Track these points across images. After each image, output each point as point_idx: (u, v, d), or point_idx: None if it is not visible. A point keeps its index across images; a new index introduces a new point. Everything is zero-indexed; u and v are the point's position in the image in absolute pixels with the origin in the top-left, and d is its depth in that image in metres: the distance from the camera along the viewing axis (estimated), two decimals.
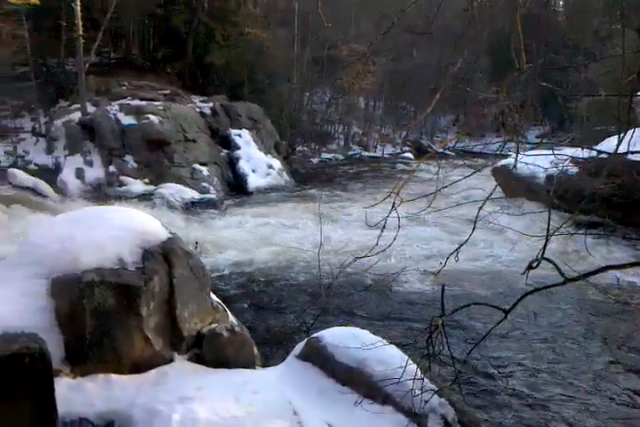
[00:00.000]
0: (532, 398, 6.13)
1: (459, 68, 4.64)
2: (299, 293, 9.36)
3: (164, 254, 4.88)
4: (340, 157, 32.28)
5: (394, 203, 3.24)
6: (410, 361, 4.56)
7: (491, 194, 3.40)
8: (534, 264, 3.17)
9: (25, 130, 21.92)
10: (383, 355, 4.81)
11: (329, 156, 31.89)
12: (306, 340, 5.33)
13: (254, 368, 5.03)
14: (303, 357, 5.23)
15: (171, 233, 5.25)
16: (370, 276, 8.69)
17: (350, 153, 33.65)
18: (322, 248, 7.31)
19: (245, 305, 9.01)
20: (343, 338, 5.08)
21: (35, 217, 13.21)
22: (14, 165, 19.30)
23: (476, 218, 3.23)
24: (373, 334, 5.22)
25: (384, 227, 3.39)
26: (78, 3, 20.01)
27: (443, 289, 3.78)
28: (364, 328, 5.40)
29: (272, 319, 8.38)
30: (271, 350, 7.01)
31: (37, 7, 21.94)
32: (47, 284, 4.52)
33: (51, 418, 3.68)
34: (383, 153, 34.71)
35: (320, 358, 5.08)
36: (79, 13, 20.19)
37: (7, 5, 20.93)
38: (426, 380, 4.41)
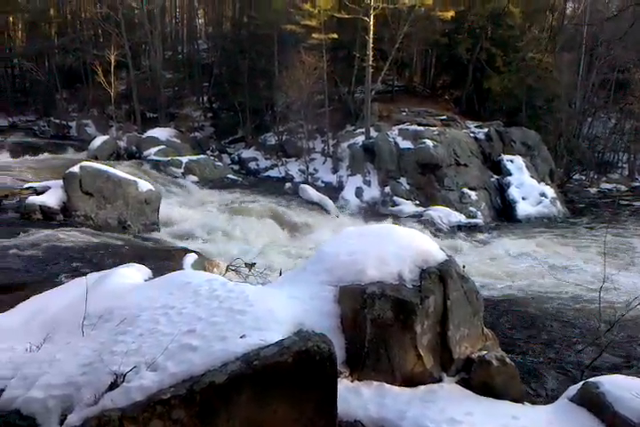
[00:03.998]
0: None
1: None
2: (571, 331, 8.68)
3: (440, 276, 5.00)
4: (623, 188, 29.11)
5: None
6: None
7: None
8: None
9: (316, 151, 24.49)
10: None
11: (609, 186, 29.02)
12: (582, 383, 4.94)
13: (523, 403, 4.84)
14: (577, 401, 4.85)
15: (447, 256, 5.36)
16: None
17: (636, 184, 30.16)
18: (604, 287, 6.73)
19: (509, 336, 8.67)
20: (626, 388, 4.59)
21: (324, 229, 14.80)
22: (305, 182, 21.80)
23: None
24: None
25: None
26: (371, 35, 21.74)
27: None
28: None
29: (538, 355, 7.91)
30: (537, 387, 6.64)
31: (335, 41, 24.50)
32: (335, 291, 4.96)
33: (332, 416, 4.01)
34: None
35: (597, 406, 4.66)
36: (371, 45, 21.90)
37: (312, 40, 23.75)
38: None
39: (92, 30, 37.12)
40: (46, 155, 23.70)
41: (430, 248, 5.29)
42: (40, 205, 12.69)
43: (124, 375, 3.78)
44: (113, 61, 27.18)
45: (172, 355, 3.87)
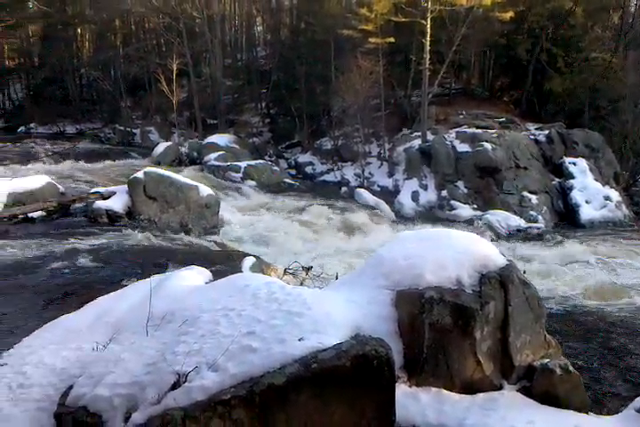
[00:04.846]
0: None
1: None
2: (638, 340, 8.35)
3: (500, 281, 4.91)
4: None
5: None
6: None
7: None
8: None
9: (372, 155, 24.48)
10: None
11: None
12: None
13: (587, 413, 4.68)
14: None
15: (508, 260, 5.26)
16: None
17: None
18: None
19: (573, 344, 8.40)
20: None
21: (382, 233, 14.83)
22: (361, 186, 21.84)
23: None
24: None
25: None
26: (428, 38, 21.58)
27: None
28: None
29: (603, 364, 7.63)
30: (601, 397, 6.41)
31: (392, 44, 24.45)
32: (392, 295, 4.94)
33: (390, 421, 3.99)
34: None
35: None
36: (428, 48, 21.74)
37: (368, 44, 23.80)
38: None
39: (154, 40, 38.43)
40: (112, 161, 24.60)
41: (490, 253, 5.20)
42: (106, 210, 13.19)
43: (187, 375, 3.87)
44: (175, 70, 27.97)
45: (233, 356, 3.95)
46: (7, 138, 32.18)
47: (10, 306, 7.87)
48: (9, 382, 4.88)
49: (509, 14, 23.13)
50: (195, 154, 26.40)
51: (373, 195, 19.61)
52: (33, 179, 14.79)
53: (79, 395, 4.25)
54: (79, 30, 42.35)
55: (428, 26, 21.66)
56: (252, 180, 21.99)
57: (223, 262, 9.60)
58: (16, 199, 13.45)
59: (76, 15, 40.04)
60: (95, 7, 39.32)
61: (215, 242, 13.30)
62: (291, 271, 6.98)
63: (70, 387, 4.49)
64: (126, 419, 3.88)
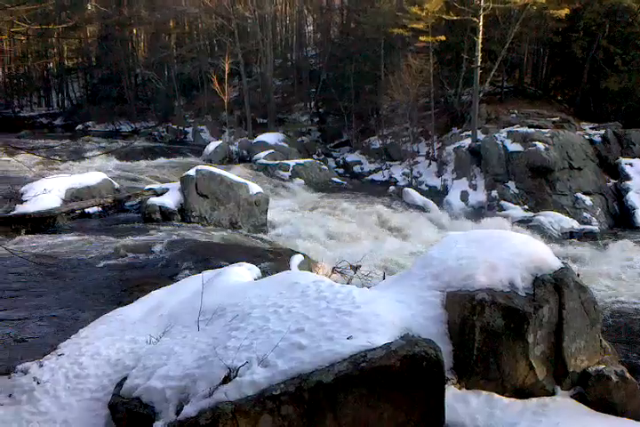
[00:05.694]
0: None
1: None
2: None
3: (555, 284, 4.80)
4: None
5: None
6: None
7: None
8: None
9: (420, 154, 24.24)
10: None
11: None
12: None
13: None
14: None
15: (563, 263, 5.14)
16: None
17: None
18: None
19: (631, 350, 8.13)
20: None
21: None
22: (409, 185, 21.66)
23: None
24: None
25: None
26: (480, 36, 21.21)
27: None
28: None
29: None
30: None
31: (443, 43, 24.14)
32: (442, 296, 4.89)
33: (439, 423, 3.95)
34: None
35: None
36: (479, 46, 21.36)
37: (419, 43, 23.56)
38: None
39: (207, 40, 39.03)
40: (165, 159, 25.15)
41: (544, 255, 5.09)
42: (160, 206, 13.49)
43: (237, 370, 3.94)
44: (226, 70, 28.36)
45: (282, 352, 3.99)
46: (66, 135, 33.40)
47: (67, 298, 8.16)
48: (66, 372, 5.07)
49: (564, 11, 22.48)
50: (244, 152, 26.75)
51: (421, 194, 19.41)
52: (90, 175, 15.25)
53: (133, 386, 4.37)
54: (135, 31, 43.48)
55: (481, 24, 21.28)
56: (301, 178, 22.09)
57: (272, 260, 9.70)
58: (74, 195, 13.90)
59: (131, 16, 41.10)
60: (150, 8, 40.28)
61: (264, 239, 13.44)
62: (339, 270, 7.00)
63: (124, 378, 4.62)
64: (178, 411, 3.97)
